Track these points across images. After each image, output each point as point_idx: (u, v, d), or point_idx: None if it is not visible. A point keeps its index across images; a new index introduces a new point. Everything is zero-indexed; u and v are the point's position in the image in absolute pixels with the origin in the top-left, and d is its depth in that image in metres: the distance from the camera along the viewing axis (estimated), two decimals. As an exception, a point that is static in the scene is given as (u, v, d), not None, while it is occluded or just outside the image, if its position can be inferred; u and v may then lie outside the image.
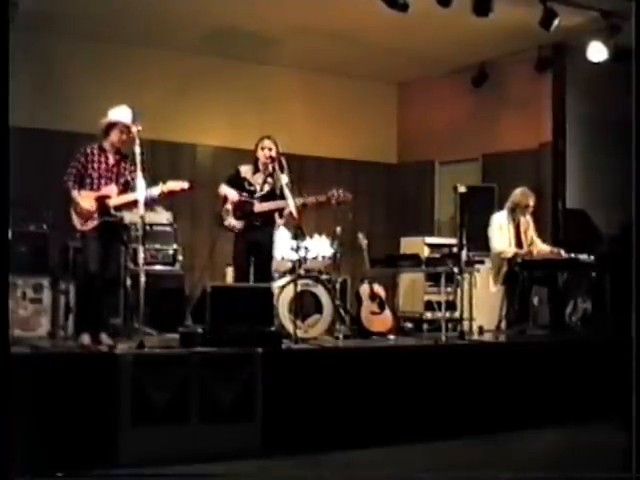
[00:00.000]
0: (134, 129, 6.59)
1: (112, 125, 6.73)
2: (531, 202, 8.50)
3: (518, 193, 8.55)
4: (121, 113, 6.75)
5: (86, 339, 6.59)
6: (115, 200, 6.68)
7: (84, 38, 9.43)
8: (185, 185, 6.82)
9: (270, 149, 7.39)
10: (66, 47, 9.36)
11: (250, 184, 7.46)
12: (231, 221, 7.36)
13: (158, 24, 9.22)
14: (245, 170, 7.51)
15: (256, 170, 7.50)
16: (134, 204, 6.64)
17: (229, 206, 7.37)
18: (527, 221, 8.62)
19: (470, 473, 5.77)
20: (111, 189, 6.69)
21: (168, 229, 8.77)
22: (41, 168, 8.85)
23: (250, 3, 8.44)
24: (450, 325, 8.39)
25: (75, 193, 6.64)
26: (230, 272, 7.97)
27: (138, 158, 6.50)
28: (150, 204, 7.03)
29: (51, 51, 9.25)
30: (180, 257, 8.72)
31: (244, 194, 7.40)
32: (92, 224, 6.63)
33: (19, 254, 7.62)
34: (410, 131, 11.90)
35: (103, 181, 6.72)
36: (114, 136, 6.73)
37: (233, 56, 10.28)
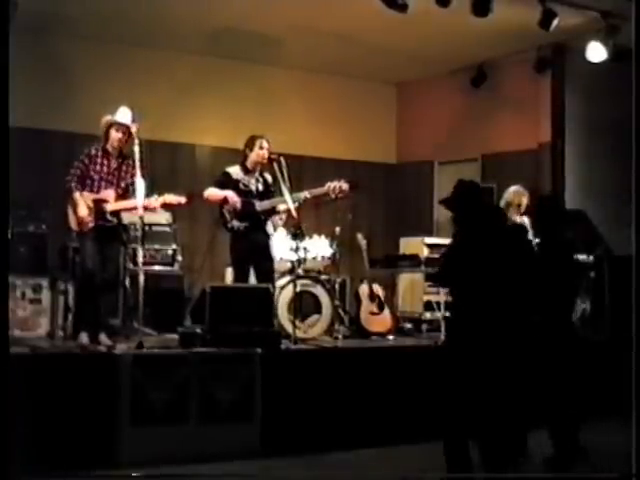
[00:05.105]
0: (133, 129, 6.62)
1: (110, 125, 6.76)
2: (524, 201, 8.42)
3: (511, 192, 8.49)
4: (119, 114, 6.77)
5: (84, 339, 6.61)
6: (112, 206, 6.72)
7: (84, 39, 9.42)
8: (182, 200, 6.86)
9: (268, 149, 7.37)
10: (66, 47, 9.35)
11: (245, 185, 7.41)
12: (234, 223, 7.31)
13: (158, 25, 9.21)
14: (235, 172, 7.41)
15: (246, 170, 7.45)
16: (130, 210, 6.71)
17: (229, 208, 7.33)
18: (522, 221, 8.60)
19: (469, 473, 5.76)
20: (109, 194, 6.72)
21: (167, 229, 8.76)
22: (41, 168, 8.84)
23: (249, 3, 8.43)
24: (449, 325, 8.39)
25: (77, 195, 6.66)
26: (229, 273, 7.96)
27: (137, 156, 6.53)
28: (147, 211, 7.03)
29: (51, 51, 9.24)
30: (179, 257, 8.71)
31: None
32: (88, 226, 6.66)
33: (18, 254, 7.63)
34: (409, 131, 11.89)
35: (103, 184, 6.75)
36: (113, 136, 6.75)
37: (232, 56, 10.27)
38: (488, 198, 5.45)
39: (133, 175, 6.77)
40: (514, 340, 5.11)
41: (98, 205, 6.68)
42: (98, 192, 6.72)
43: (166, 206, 6.98)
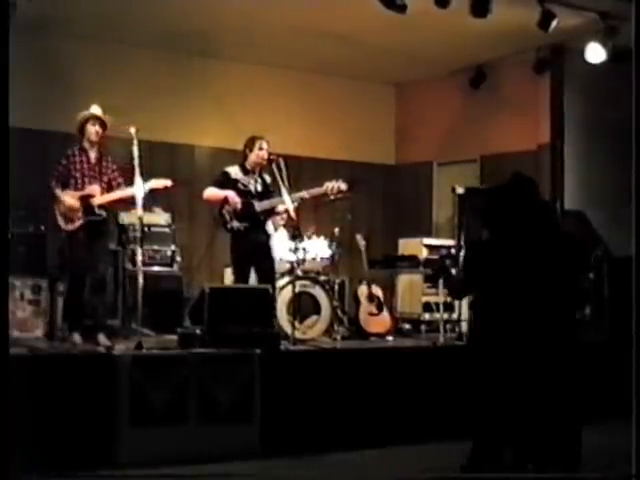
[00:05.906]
0: (132, 130, 6.66)
1: (87, 120, 6.89)
2: None
3: None
4: (92, 109, 6.94)
5: (77, 338, 6.66)
6: (99, 199, 6.78)
7: (83, 39, 9.41)
8: (168, 183, 6.94)
9: (267, 150, 7.37)
10: (65, 48, 9.33)
11: (244, 185, 7.41)
12: (234, 223, 7.30)
13: (157, 26, 9.20)
14: (234, 172, 7.41)
15: (246, 171, 7.45)
16: (118, 202, 6.82)
17: (229, 208, 7.32)
18: None
19: (469, 474, 5.76)
20: (94, 188, 6.83)
21: (166, 230, 8.76)
22: (39, 169, 8.79)
23: (248, 4, 8.43)
24: (448, 326, 8.39)
25: (59, 192, 6.76)
26: (228, 273, 7.95)
27: (136, 154, 6.56)
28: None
29: (50, 52, 9.22)
30: (178, 258, 8.70)
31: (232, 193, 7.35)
32: (77, 224, 6.72)
33: (17, 255, 7.63)
34: (408, 132, 11.89)
35: (87, 180, 6.89)
36: (90, 130, 6.89)
37: (230, 57, 10.27)
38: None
39: (114, 170, 6.95)
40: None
41: (85, 201, 6.77)
42: (83, 189, 6.81)
43: (155, 192, 6.99)
